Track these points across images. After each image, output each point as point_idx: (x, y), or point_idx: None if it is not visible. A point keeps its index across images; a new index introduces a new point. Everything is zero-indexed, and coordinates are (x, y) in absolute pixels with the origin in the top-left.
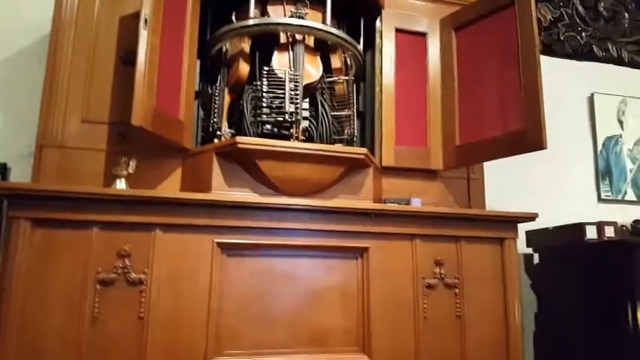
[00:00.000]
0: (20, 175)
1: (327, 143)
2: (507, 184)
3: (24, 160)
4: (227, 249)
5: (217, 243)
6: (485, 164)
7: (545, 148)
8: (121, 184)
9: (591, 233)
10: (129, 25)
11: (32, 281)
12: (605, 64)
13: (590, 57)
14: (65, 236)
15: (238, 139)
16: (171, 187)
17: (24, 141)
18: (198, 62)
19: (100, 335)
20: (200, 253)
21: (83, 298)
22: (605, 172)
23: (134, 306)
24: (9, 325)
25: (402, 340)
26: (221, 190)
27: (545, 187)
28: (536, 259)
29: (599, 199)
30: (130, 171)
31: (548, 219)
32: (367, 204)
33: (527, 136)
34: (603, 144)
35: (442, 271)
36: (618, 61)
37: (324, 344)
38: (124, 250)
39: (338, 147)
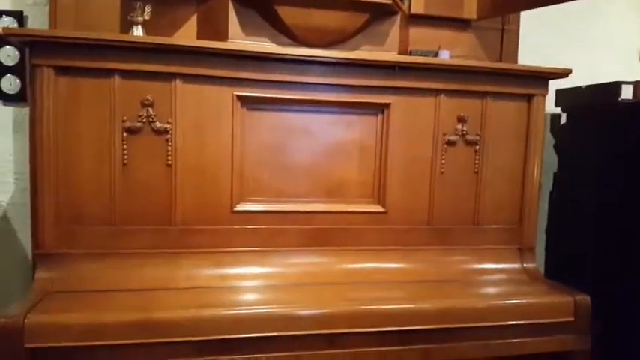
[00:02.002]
0: (37, 24)
1: None
2: (542, 39)
3: (40, 8)
4: (247, 103)
5: (237, 96)
6: (523, 15)
7: None
8: (137, 31)
9: (627, 93)
10: None
11: (61, 129)
12: None
13: None
14: (88, 84)
15: None
16: (187, 35)
17: None
18: None
19: (131, 180)
20: (221, 105)
21: (112, 145)
22: None
23: (161, 154)
24: (45, 172)
25: (417, 193)
26: (238, 39)
27: (584, 43)
28: (563, 119)
29: None
30: (146, 17)
31: (582, 77)
32: (391, 56)
33: None
34: None
35: (464, 128)
36: None
37: (340, 194)
38: (146, 99)
39: None
